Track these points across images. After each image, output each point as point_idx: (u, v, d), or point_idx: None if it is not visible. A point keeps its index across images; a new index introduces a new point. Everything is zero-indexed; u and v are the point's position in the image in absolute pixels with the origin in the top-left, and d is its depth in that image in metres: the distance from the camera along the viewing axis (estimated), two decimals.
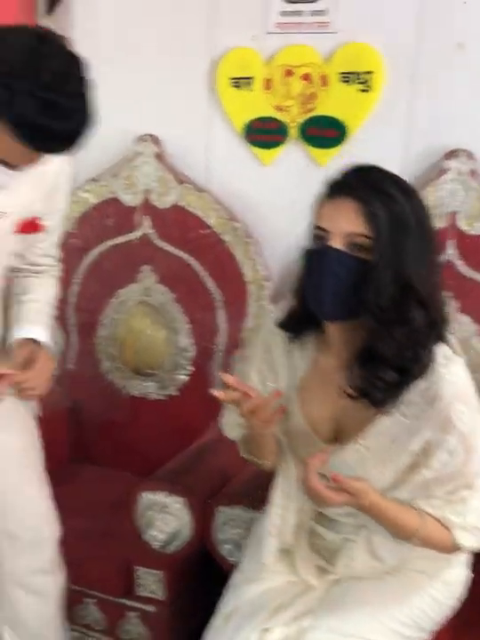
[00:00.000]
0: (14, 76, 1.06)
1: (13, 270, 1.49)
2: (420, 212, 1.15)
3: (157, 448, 2.09)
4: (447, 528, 1.23)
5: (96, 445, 2.25)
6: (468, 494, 1.23)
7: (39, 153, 1.17)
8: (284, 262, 2.09)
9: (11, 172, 1.19)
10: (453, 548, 1.26)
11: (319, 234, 1.18)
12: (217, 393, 1.16)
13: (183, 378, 2.18)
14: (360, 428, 1.23)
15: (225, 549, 1.65)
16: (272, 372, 1.34)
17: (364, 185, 1.13)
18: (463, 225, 1.82)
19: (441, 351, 1.17)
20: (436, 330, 1.17)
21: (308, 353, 1.30)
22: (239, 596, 1.35)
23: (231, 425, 1.42)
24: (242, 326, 2.09)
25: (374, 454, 1.23)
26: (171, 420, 2.18)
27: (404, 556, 1.32)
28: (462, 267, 1.84)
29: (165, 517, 1.69)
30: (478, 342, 1.85)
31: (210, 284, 2.11)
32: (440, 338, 1.19)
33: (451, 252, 1.84)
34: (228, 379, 1.16)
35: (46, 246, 1.51)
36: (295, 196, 2.06)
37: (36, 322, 1.46)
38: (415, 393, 1.17)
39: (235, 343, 2.10)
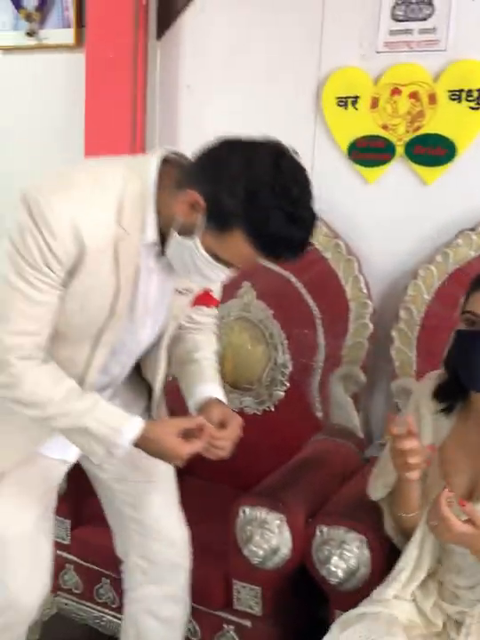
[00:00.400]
0: (261, 190, 1.12)
1: (180, 331, 1.55)
2: None
3: (255, 462, 2.10)
4: None
5: (195, 457, 2.27)
6: None
7: (269, 259, 1.24)
8: (386, 281, 2.08)
9: (227, 270, 1.25)
10: None
11: (471, 318, 1.32)
12: (392, 425, 1.31)
13: (280, 393, 2.18)
14: None
15: (325, 569, 1.64)
16: (418, 428, 1.43)
17: None
18: None
19: None
20: None
21: (453, 418, 1.44)
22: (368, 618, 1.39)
23: (378, 487, 1.52)
24: (341, 344, 2.08)
25: None
26: (268, 435, 2.19)
27: None
28: None
29: (265, 533, 1.68)
30: None
31: (309, 300, 2.11)
32: None
33: None
34: (402, 420, 1.32)
35: (210, 309, 1.57)
36: (400, 214, 2.05)
37: (214, 380, 1.51)
38: None
39: (333, 360, 2.10)
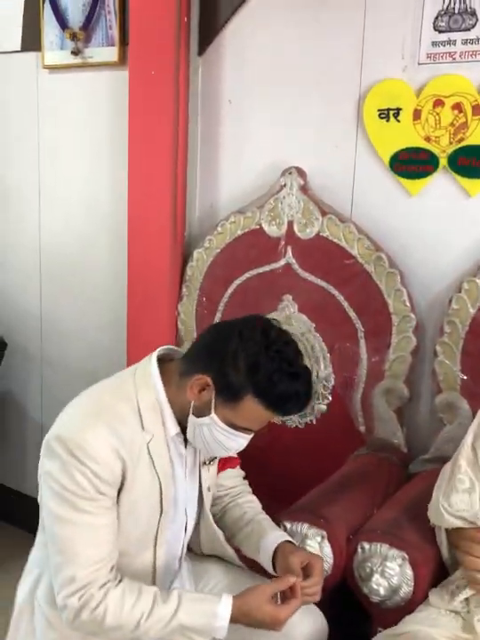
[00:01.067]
0: (259, 358, 1.29)
1: (216, 502, 1.64)
2: None
3: (296, 475, 2.10)
4: None
5: None
6: None
7: (278, 416, 1.42)
8: (430, 294, 2.06)
9: (246, 436, 1.39)
10: None
11: None
12: None
13: (323, 407, 2.18)
14: None
15: (366, 587, 1.62)
16: None
17: None
18: None
19: None
20: None
21: None
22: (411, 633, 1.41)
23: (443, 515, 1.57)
24: (384, 357, 2.06)
25: None
26: (309, 448, 2.18)
27: None
28: None
29: (306, 549, 1.68)
30: None
31: (352, 313, 2.10)
32: None
33: None
34: None
35: (235, 470, 1.69)
36: (443, 226, 2.03)
37: (275, 528, 1.59)
38: None
39: (376, 374, 2.08)
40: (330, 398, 2.17)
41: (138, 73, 2.34)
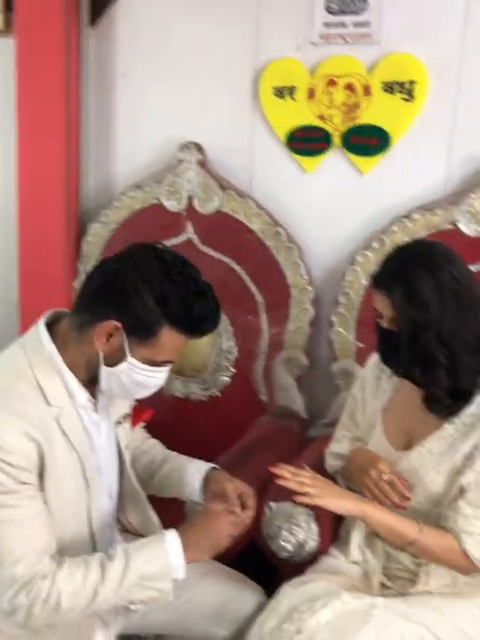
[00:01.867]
0: (164, 286, 1.21)
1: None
2: (450, 284, 1.36)
3: (203, 445, 2.13)
4: (458, 538, 1.37)
5: None
6: None
7: (196, 338, 1.33)
8: (326, 267, 2.15)
9: (166, 369, 1.33)
10: (468, 563, 1.38)
11: (376, 313, 1.46)
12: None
13: (226, 379, 2.23)
14: (427, 436, 1.45)
15: (274, 544, 1.69)
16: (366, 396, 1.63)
17: (391, 278, 1.40)
18: None
19: None
20: None
21: (393, 382, 1.58)
22: (315, 580, 1.50)
23: (332, 463, 1.70)
24: (284, 329, 2.14)
25: (434, 457, 1.44)
26: (214, 420, 2.23)
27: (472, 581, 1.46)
28: None
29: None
30: None
31: (252, 287, 2.16)
32: None
33: None
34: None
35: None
36: (338, 202, 2.12)
37: (193, 460, 1.57)
38: (476, 405, 1.41)
39: (276, 345, 2.16)
40: (233, 370, 2.22)
41: (25, 41, 2.25)
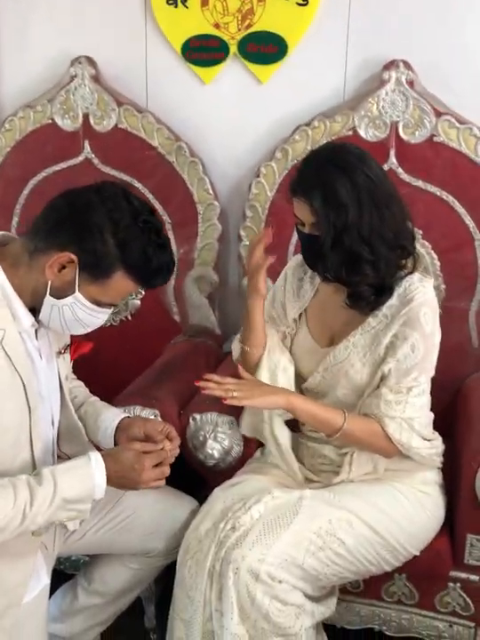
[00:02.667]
0: (129, 231, 1.22)
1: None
2: (365, 183, 1.40)
3: (118, 373, 2.11)
4: (381, 422, 1.45)
5: None
6: (414, 388, 1.45)
7: (145, 289, 1.39)
8: (230, 181, 2.14)
9: (109, 311, 1.33)
10: (390, 445, 1.46)
11: (297, 222, 1.48)
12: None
13: (136, 302, 2.20)
14: (350, 331, 1.51)
15: (201, 453, 1.72)
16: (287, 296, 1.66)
17: (308, 184, 1.41)
18: (404, 134, 1.91)
19: (417, 274, 1.49)
20: (402, 260, 1.48)
21: (314, 284, 1.62)
22: (244, 481, 1.56)
23: (236, 346, 1.71)
24: (193, 247, 2.12)
25: (359, 349, 1.51)
26: (127, 345, 2.21)
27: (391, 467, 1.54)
28: (403, 174, 1.94)
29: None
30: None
31: (158, 205, 2.12)
32: (414, 264, 1.50)
33: (393, 162, 1.93)
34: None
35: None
36: (238, 113, 2.10)
37: (110, 407, 1.59)
38: (395, 297, 1.47)
39: (186, 264, 2.14)
40: (142, 293, 2.19)
41: None
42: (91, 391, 1.87)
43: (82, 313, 1.28)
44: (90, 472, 1.29)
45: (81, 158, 2.14)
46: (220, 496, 1.54)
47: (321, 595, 1.50)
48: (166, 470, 1.37)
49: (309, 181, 1.42)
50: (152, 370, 1.97)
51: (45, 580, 1.43)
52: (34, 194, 2.20)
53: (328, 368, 1.53)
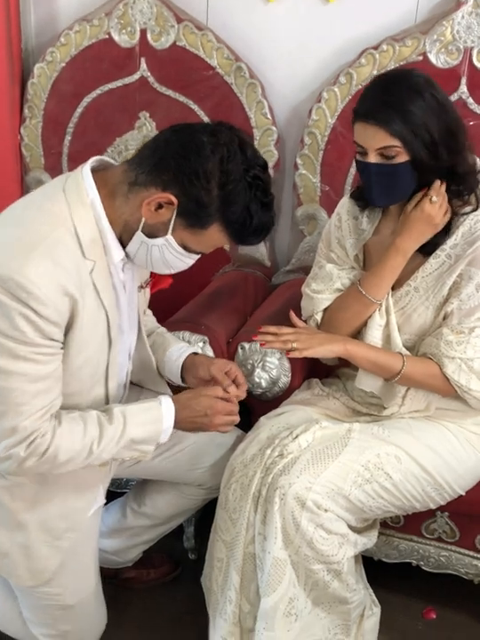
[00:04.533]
0: (237, 186, 1.16)
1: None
2: (435, 106, 1.34)
3: (167, 301, 2.09)
4: (440, 363, 1.41)
5: None
6: (477, 328, 1.40)
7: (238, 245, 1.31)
8: (289, 105, 2.06)
9: (196, 257, 1.28)
10: (447, 385, 1.43)
11: (359, 149, 1.39)
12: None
13: None
14: (411, 274, 1.47)
15: (249, 382, 1.69)
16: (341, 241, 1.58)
17: (382, 108, 1.33)
18: (478, 62, 1.81)
19: None
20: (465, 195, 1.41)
21: (374, 219, 1.54)
22: (290, 411, 1.56)
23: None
24: None
25: (422, 293, 1.47)
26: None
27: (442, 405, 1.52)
28: (473, 105, 1.85)
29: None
30: None
31: None
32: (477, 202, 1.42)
33: (463, 91, 1.84)
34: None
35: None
36: (301, 34, 2.01)
37: (179, 340, 1.60)
38: (460, 236, 1.41)
39: None
40: None
41: None
42: None
43: (170, 256, 1.24)
44: (159, 416, 1.31)
45: (136, 76, 2.08)
46: (267, 424, 1.54)
47: (363, 526, 1.50)
48: (236, 418, 1.38)
49: (381, 104, 1.34)
50: (201, 297, 1.95)
51: (101, 501, 1.46)
52: (87, 111, 2.15)
53: (389, 314, 1.50)
